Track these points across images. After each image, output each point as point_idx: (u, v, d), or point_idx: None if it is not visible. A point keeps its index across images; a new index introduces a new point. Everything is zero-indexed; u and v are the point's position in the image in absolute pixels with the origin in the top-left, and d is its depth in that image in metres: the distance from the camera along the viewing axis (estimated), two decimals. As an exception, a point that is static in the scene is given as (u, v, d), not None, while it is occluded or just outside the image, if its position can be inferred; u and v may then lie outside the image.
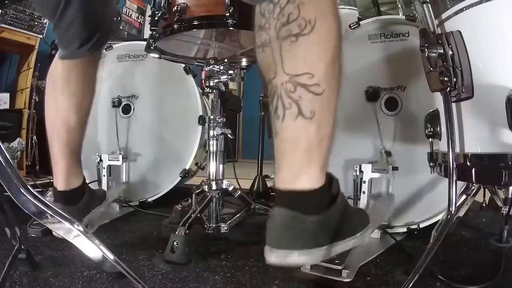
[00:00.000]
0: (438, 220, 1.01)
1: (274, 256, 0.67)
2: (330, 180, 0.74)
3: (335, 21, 0.68)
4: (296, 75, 0.66)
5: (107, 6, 1.10)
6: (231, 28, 0.99)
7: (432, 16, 0.81)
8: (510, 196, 1.14)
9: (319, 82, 0.66)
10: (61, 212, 0.73)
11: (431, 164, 0.93)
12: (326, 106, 0.68)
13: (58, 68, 1.09)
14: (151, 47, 1.14)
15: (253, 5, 0.71)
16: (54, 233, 1.07)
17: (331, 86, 0.68)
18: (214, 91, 1.21)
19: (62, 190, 1.11)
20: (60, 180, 1.11)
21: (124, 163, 1.61)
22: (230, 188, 1.24)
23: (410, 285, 0.73)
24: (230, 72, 1.18)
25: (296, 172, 0.68)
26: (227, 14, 0.98)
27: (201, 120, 1.60)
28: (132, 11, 2.91)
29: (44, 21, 2.59)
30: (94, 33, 1.05)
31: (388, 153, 1.23)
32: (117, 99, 1.64)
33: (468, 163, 0.77)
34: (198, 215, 1.10)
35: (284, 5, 0.66)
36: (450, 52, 0.77)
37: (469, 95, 0.76)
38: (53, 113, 1.12)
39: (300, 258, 0.66)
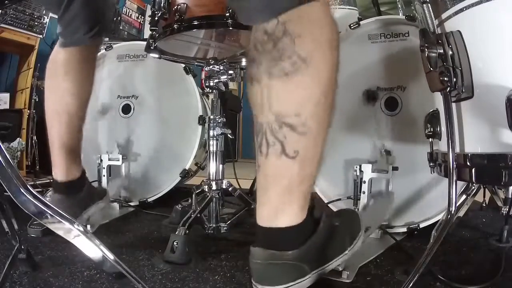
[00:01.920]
0: (438, 220, 1.01)
1: None
2: (313, 204, 0.73)
3: (331, 53, 0.66)
4: (283, 115, 0.64)
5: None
6: (231, 28, 0.99)
7: (432, 16, 0.81)
8: (510, 196, 1.15)
9: (306, 121, 0.64)
10: (61, 212, 0.73)
11: (431, 164, 0.93)
12: (311, 145, 0.67)
13: (59, 55, 1.10)
14: (151, 47, 1.14)
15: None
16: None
17: (319, 123, 0.66)
18: (214, 91, 1.21)
19: (61, 180, 1.10)
20: (60, 169, 1.10)
21: (124, 163, 1.61)
22: (230, 188, 1.24)
23: (410, 285, 0.73)
24: (230, 72, 1.18)
25: (275, 209, 0.68)
26: (227, 14, 0.98)
27: (201, 120, 1.60)
28: (132, 11, 2.92)
29: (44, 21, 2.59)
30: (96, 23, 1.08)
31: (388, 153, 1.23)
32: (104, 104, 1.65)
33: (468, 163, 0.77)
34: (198, 215, 1.10)
35: (279, 39, 0.62)
36: (450, 52, 0.77)
37: (469, 95, 0.76)
38: (55, 98, 1.11)
39: None
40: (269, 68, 0.64)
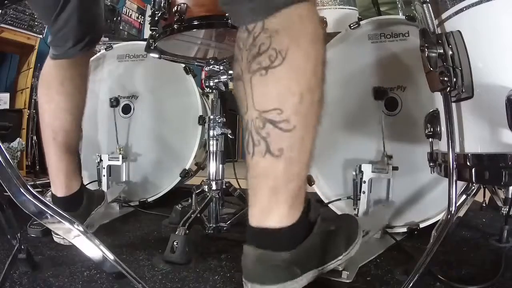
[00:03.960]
0: (438, 220, 1.01)
1: None
2: (308, 207, 0.72)
3: (314, 48, 0.64)
4: (265, 111, 0.64)
5: (99, 6, 1.10)
6: (231, 28, 0.99)
7: (432, 16, 0.81)
8: (510, 196, 1.15)
9: (288, 118, 0.63)
10: (61, 212, 0.73)
11: (431, 164, 0.93)
12: (297, 143, 0.65)
13: (51, 69, 1.08)
14: (151, 47, 1.14)
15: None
16: (54, 238, 1.06)
17: (304, 122, 0.65)
18: (214, 91, 1.21)
19: (62, 196, 1.09)
20: (59, 185, 1.09)
21: (124, 163, 1.61)
22: (230, 188, 1.24)
23: (410, 285, 0.73)
24: (230, 72, 1.18)
25: (264, 210, 0.68)
26: (227, 14, 0.98)
27: (201, 120, 1.60)
28: (132, 11, 2.92)
29: (44, 21, 2.59)
30: (87, 33, 1.06)
31: (388, 153, 1.23)
32: (114, 99, 1.64)
33: (468, 163, 0.77)
34: (198, 215, 1.10)
35: (257, 35, 0.63)
36: (450, 52, 0.77)
37: (469, 95, 0.76)
38: (49, 114, 1.10)
39: None
40: (249, 63, 0.64)
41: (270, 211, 0.67)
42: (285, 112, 0.63)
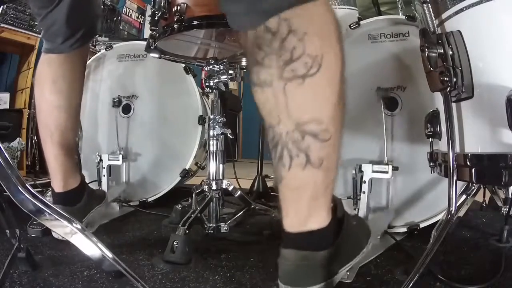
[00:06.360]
0: (438, 220, 1.01)
1: None
2: (335, 205, 0.72)
3: (340, 52, 0.63)
4: (303, 122, 0.61)
5: (92, 3, 1.10)
6: (231, 28, 0.99)
7: (432, 16, 0.81)
8: (510, 196, 1.15)
9: (327, 127, 0.62)
10: (59, 210, 0.73)
11: (431, 164, 0.93)
12: (333, 149, 0.65)
13: (44, 66, 1.09)
14: (151, 47, 1.14)
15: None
16: (53, 234, 1.06)
17: (337, 127, 0.64)
18: (214, 91, 1.21)
19: (59, 192, 1.10)
20: (57, 181, 1.10)
21: (124, 163, 1.61)
22: (230, 188, 1.24)
23: (410, 285, 0.73)
24: (230, 72, 1.18)
25: (304, 218, 0.67)
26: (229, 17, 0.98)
27: (201, 120, 1.60)
28: (132, 11, 2.92)
29: (44, 21, 2.59)
30: (77, 29, 1.05)
31: (388, 153, 1.22)
32: (117, 99, 1.64)
33: (468, 163, 0.77)
34: (198, 215, 1.10)
35: (285, 37, 0.59)
36: (450, 52, 0.77)
37: (469, 95, 0.76)
38: (43, 112, 1.10)
39: None
40: (281, 71, 0.60)
41: (310, 217, 0.67)
42: (324, 122, 0.61)
